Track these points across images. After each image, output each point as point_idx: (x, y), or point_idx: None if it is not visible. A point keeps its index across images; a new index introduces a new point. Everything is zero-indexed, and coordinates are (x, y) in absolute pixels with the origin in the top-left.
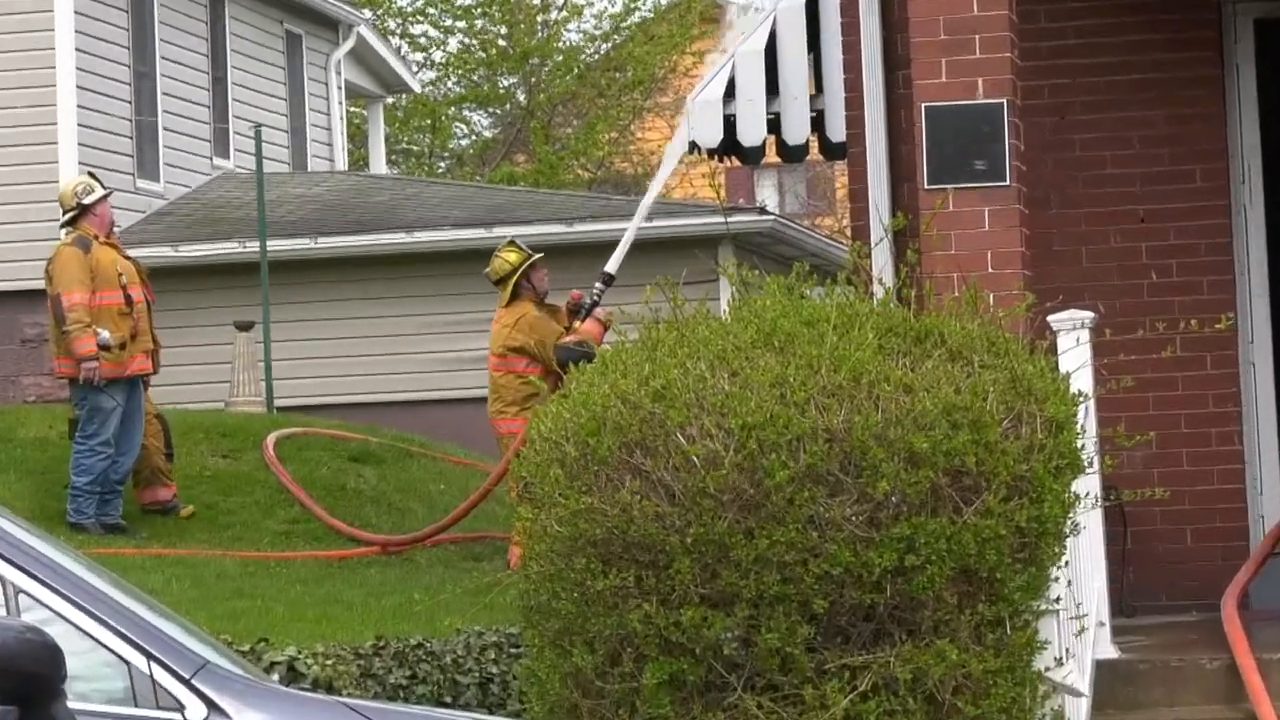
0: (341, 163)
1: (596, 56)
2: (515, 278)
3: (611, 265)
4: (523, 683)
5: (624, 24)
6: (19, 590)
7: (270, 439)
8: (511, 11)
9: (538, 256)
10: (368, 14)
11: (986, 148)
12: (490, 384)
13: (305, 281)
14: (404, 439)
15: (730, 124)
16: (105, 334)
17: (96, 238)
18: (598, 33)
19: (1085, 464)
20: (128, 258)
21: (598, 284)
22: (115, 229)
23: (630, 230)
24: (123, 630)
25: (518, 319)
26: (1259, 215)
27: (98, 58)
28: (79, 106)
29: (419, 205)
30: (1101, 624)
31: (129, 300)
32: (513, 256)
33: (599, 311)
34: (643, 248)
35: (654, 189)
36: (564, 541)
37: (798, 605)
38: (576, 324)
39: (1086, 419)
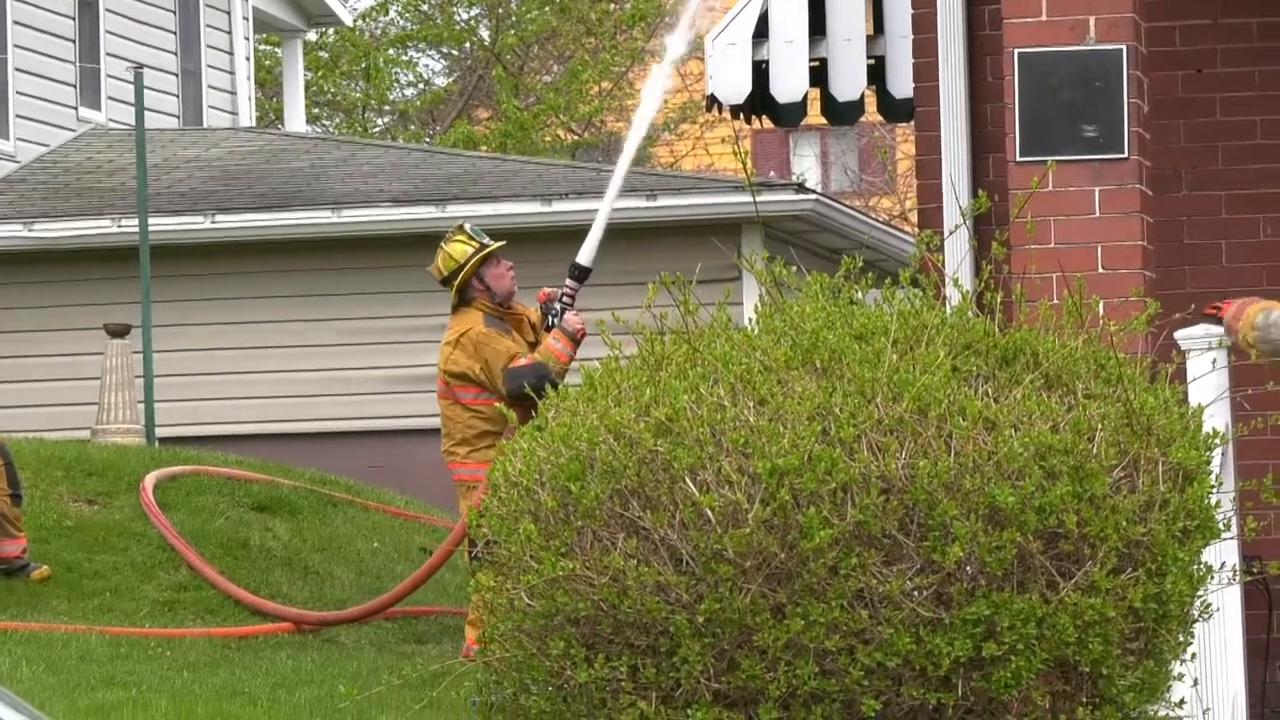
0: (247, 117)
1: None
2: (463, 277)
3: (584, 255)
4: None
5: None
6: None
7: (150, 480)
8: None
9: (495, 247)
10: None
11: (1099, 109)
12: (440, 416)
13: (199, 273)
14: (326, 481)
15: (761, 73)
16: None
17: None
18: None
19: (1221, 527)
20: None
21: (568, 281)
22: None
23: (606, 203)
24: None
25: (460, 335)
26: None
27: None
28: None
29: (349, 174)
30: None
31: None
32: (460, 248)
33: (569, 319)
34: (641, 234)
35: (633, 140)
36: (536, 619)
37: (841, 706)
38: (543, 334)
39: (1223, 467)
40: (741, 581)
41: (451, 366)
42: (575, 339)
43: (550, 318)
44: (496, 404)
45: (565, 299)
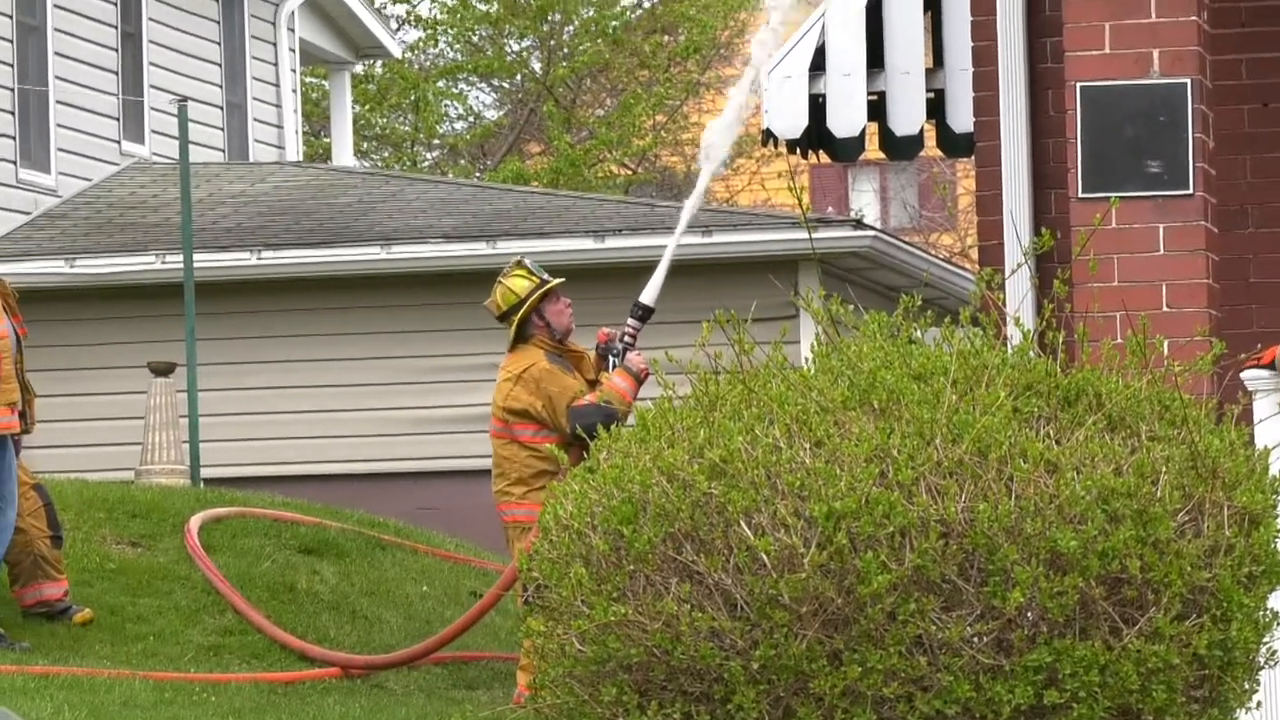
0: (294, 151)
1: (637, 13)
2: (523, 312)
3: (648, 294)
4: None
5: None
6: None
7: (195, 522)
8: None
9: (555, 283)
10: None
11: (1163, 144)
12: (493, 455)
13: (244, 310)
14: (374, 524)
15: (818, 107)
16: None
17: None
18: None
19: None
20: None
21: (630, 320)
22: None
23: (672, 243)
24: None
25: (522, 371)
26: None
27: None
28: None
29: (398, 209)
30: None
31: None
32: (520, 283)
33: (633, 359)
34: (696, 271)
35: (703, 179)
36: (588, 665)
37: None
38: (604, 375)
39: None
40: (797, 627)
41: (512, 403)
42: (639, 378)
43: (611, 357)
44: (548, 444)
45: (627, 338)
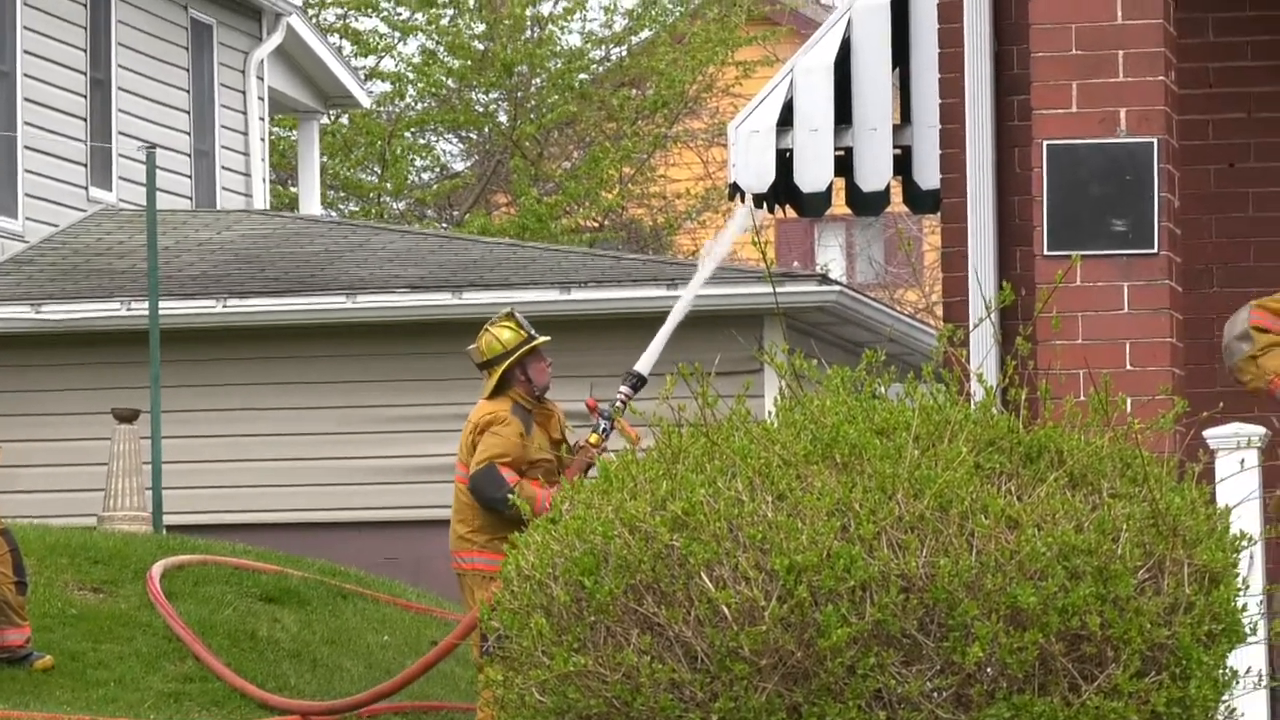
0: (262, 199)
1: (605, 66)
2: (506, 365)
3: (642, 364)
4: None
5: (642, 24)
6: None
7: (157, 569)
8: (490, 4)
9: (542, 340)
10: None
11: (1129, 202)
12: (455, 502)
13: (210, 358)
14: (336, 573)
15: (785, 161)
16: None
17: None
18: (607, 34)
19: (1247, 630)
20: None
21: (622, 388)
22: None
23: (669, 325)
24: None
25: (483, 419)
26: None
27: None
28: None
29: (365, 259)
30: None
31: None
32: (507, 335)
33: (588, 455)
34: (661, 324)
35: (707, 265)
36: (547, 715)
37: None
38: (593, 435)
39: (1251, 570)
40: (757, 680)
41: (463, 450)
42: (587, 469)
43: (602, 420)
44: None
45: (619, 405)
